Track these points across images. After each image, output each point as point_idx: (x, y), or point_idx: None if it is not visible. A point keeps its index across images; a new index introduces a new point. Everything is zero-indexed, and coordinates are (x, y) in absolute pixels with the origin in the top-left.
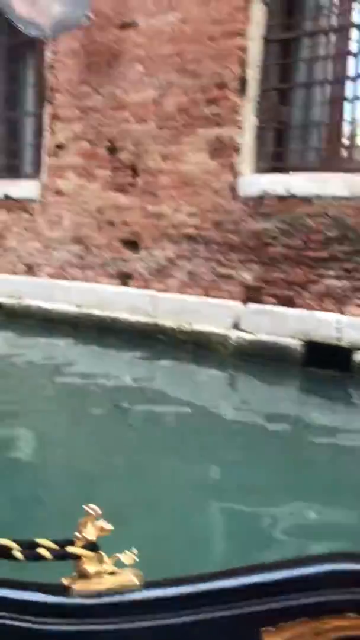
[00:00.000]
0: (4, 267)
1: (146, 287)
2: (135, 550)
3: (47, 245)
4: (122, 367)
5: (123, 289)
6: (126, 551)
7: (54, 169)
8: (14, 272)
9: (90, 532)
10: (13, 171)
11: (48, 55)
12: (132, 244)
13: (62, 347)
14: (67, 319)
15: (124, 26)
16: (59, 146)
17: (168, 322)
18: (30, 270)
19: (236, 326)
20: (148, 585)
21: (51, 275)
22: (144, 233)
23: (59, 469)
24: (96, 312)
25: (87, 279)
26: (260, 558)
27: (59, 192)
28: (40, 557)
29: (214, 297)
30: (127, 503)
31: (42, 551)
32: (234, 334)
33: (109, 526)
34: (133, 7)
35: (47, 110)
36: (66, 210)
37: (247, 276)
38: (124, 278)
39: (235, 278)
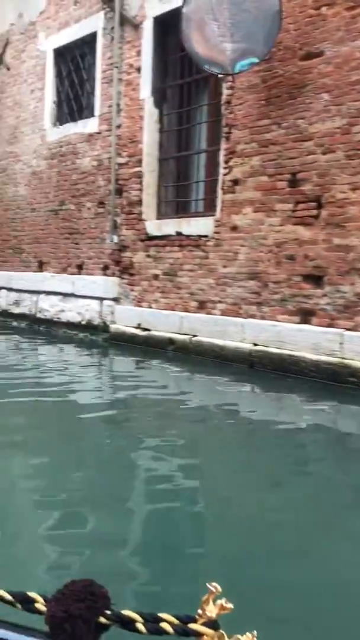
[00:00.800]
0: (176, 304)
1: (331, 324)
2: (255, 632)
3: (221, 281)
4: (305, 412)
5: (304, 326)
6: (247, 633)
7: (230, 205)
8: (186, 309)
9: (211, 610)
10: (184, 209)
11: (225, 91)
12: (315, 279)
13: (237, 386)
14: (242, 357)
15: (309, 56)
16: (235, 181)
17: (358, 362)
18: (202, 306)
19: None
20: None
21: (225, 312)
22: (329, 267)
23: (223, 524)
24: (274, 350)
25: (263, 316)
26: None
27: (234, 228)
28: (162, 632)
29: None
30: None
31: (165, 626)
32: None
33: (229, 605)
34: (319, 37)
35: (223, 146)
36: (242, 245)
37: None
38: (305, 315)
39: None
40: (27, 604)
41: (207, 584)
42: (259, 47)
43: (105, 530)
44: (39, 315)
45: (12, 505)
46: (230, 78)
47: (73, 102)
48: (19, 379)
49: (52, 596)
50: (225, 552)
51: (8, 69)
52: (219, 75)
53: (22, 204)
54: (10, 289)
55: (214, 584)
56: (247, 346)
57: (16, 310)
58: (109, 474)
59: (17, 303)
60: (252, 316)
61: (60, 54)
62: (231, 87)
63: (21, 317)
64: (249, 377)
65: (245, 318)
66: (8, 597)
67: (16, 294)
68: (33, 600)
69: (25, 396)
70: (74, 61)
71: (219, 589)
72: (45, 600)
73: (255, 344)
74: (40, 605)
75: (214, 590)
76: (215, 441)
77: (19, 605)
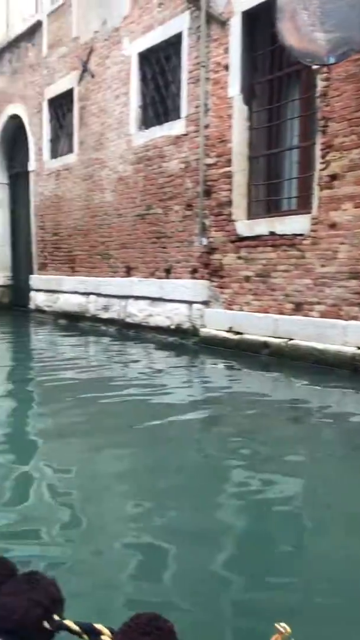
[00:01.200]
0: (270, 306)
1: None
2: None
3: (319, 282)
4: None
5: None
6: None
7: (327, 201)
8: (281, 312)
9: None
10: (275, 207)
11: (319, 83)
12: None
13: (338, 390)
14: (344, 361)
15: None
16: (333, 176)
17: None
18: (299, 308)
19: None
20: None
21: (323, 314)
22: None
23: (323, 530)
24: None
25: None
26: None
27: (333, 225)
28: None
29: None
30: None
31: None
32: None
33: None
34: None
35: (319, 140)
36: (341, 243)
37: None
38: None
39: None
40: (94, 635)
41: (276, 624)
42: (357, 35)
43: (194, 533)
44: (127, 320)
45: (101, 504)
46: (325, 69)
47: (158, 105)
48: (111, 380)
49: (118, 629)
50: (326, 559)
51: (92, 76)
52: (314, 67)
53: (109, 210)
54: (99, 294)
55: (282, 624)
56: (350, 350)
57: (105, 315)
58: (199, 477)
59: (105, 308)
60: (355, 318)
61: (145, 57)
62: (327, 79)
63: (110, 322)
64: (351, 382)
65: (347, 320)
66: (75, 627)
67: (105, 299)
68: (99, 632)
69: (117, 398)
70: (159, 64)
71: (289, 629)
72: (111, 633)
73: None
74: (107, 638)
75: (283, 630)
76: (313, 444)
77: (85, 637)
